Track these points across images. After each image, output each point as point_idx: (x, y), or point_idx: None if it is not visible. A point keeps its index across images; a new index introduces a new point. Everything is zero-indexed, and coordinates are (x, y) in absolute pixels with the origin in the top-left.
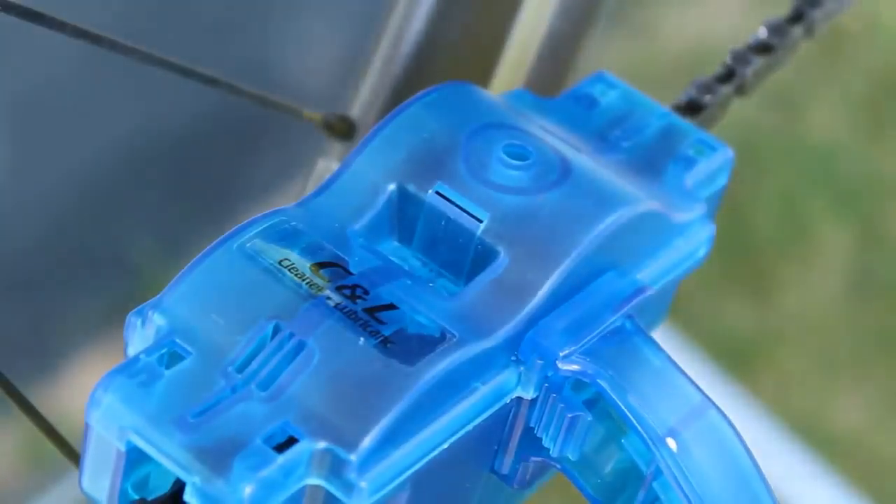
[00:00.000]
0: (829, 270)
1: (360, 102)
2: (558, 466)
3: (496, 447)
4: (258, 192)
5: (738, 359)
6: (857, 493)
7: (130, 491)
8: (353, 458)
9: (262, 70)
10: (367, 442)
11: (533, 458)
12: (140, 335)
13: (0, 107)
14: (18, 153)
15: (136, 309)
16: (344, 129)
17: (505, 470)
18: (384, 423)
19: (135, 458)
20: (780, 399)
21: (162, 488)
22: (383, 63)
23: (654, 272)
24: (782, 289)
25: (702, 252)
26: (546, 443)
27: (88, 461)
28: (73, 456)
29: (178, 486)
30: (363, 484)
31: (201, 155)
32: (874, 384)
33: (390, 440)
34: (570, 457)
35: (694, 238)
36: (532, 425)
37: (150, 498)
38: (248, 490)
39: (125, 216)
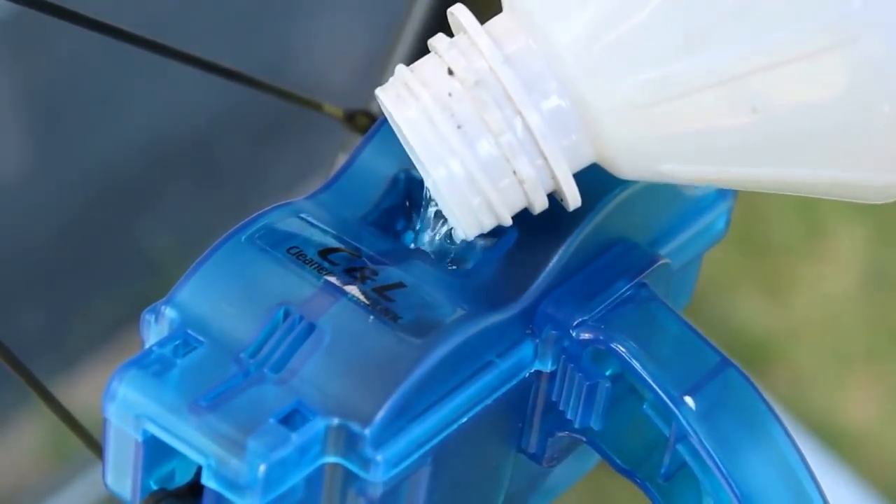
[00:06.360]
0: (843, 268)
1: None
2: (584, 439)
3: (521, 425)
4: (280, 188)
5: (752, 355)
6: (870, 488)
7: (152, 485)
8: (367, 432)
9: (284, 65)
10: (381, 415)
11: (558, 433)
12: (155, 331)
13: (22, 103)
14: (40, 149)
15: (149, 307)
16: (365, 124)
17: (532, 448)
18: (397, 396)
19: (155, 450)
20: (795, 395)
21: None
22: (403, 58)
23: (669, 244)
24: (797, 286)
25: (720, 225)
26: (569, 415)
27: (110, 459)
28: (98, 449)
29: (199, 475)
30: (379, 458)
31: (223, 151)
32: (888, 381)
33: (404, 413)
34: (594, 427)
35: (710, 211)
36: (554, 399)
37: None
38: (262, 469)
39: (147, 212)
